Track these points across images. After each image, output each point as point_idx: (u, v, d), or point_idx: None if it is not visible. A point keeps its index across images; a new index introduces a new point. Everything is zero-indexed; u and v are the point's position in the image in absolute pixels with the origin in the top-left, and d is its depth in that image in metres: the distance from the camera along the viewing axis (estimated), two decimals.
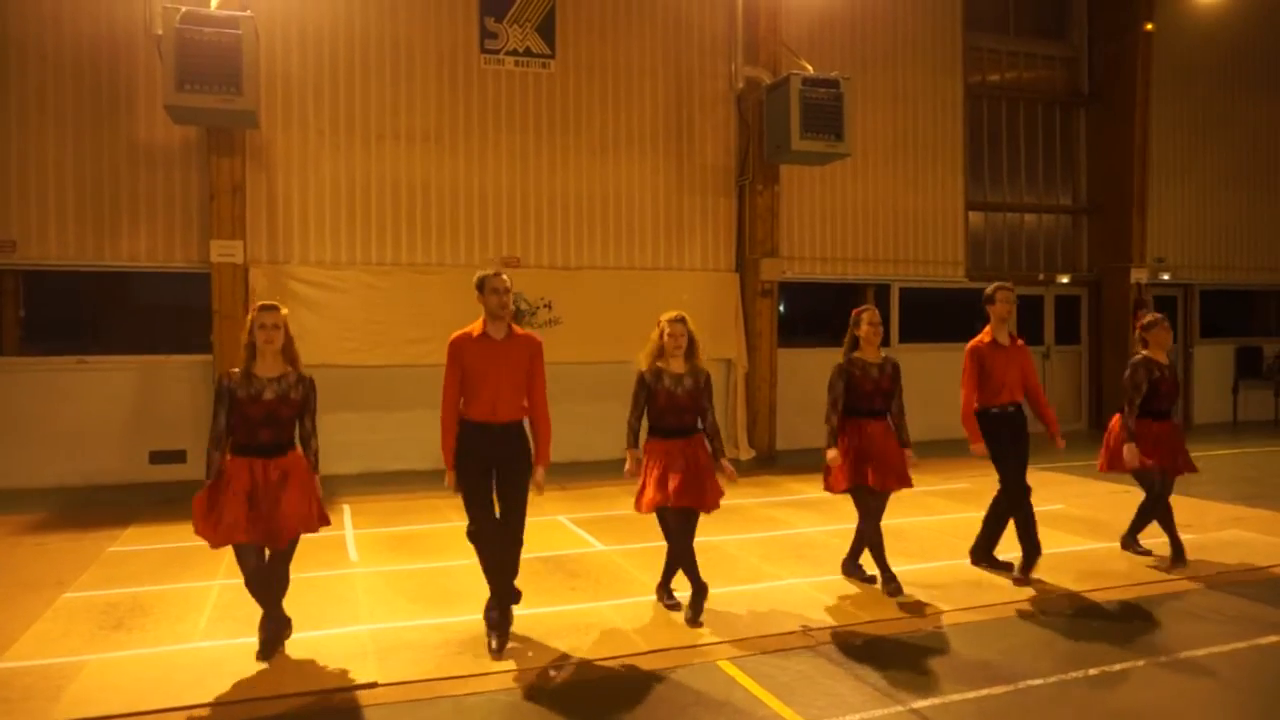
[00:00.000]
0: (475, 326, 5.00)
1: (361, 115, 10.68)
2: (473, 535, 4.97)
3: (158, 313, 10.81)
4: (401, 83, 10.83)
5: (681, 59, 11.95)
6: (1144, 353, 6.46)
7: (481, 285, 4.95)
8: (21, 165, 9.67)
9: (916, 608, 5.51)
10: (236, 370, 4.56)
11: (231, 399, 4.49)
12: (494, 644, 4.79)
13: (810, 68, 11.18)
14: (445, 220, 10.99)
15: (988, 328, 6.26)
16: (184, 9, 8.45)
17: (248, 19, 8.65)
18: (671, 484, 5.15)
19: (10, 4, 9.60)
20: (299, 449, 4.69)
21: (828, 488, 5.89)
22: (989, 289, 6.27)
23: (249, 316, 4.58)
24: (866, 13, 12.93)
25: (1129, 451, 6.31)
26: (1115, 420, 6.53)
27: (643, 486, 5.30)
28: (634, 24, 11.76)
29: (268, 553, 4.64)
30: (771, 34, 11.84)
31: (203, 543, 7.04)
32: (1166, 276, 14.73)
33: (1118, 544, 6.86)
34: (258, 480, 4.47)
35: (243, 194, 10.03)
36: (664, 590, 5.61)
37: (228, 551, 6.79)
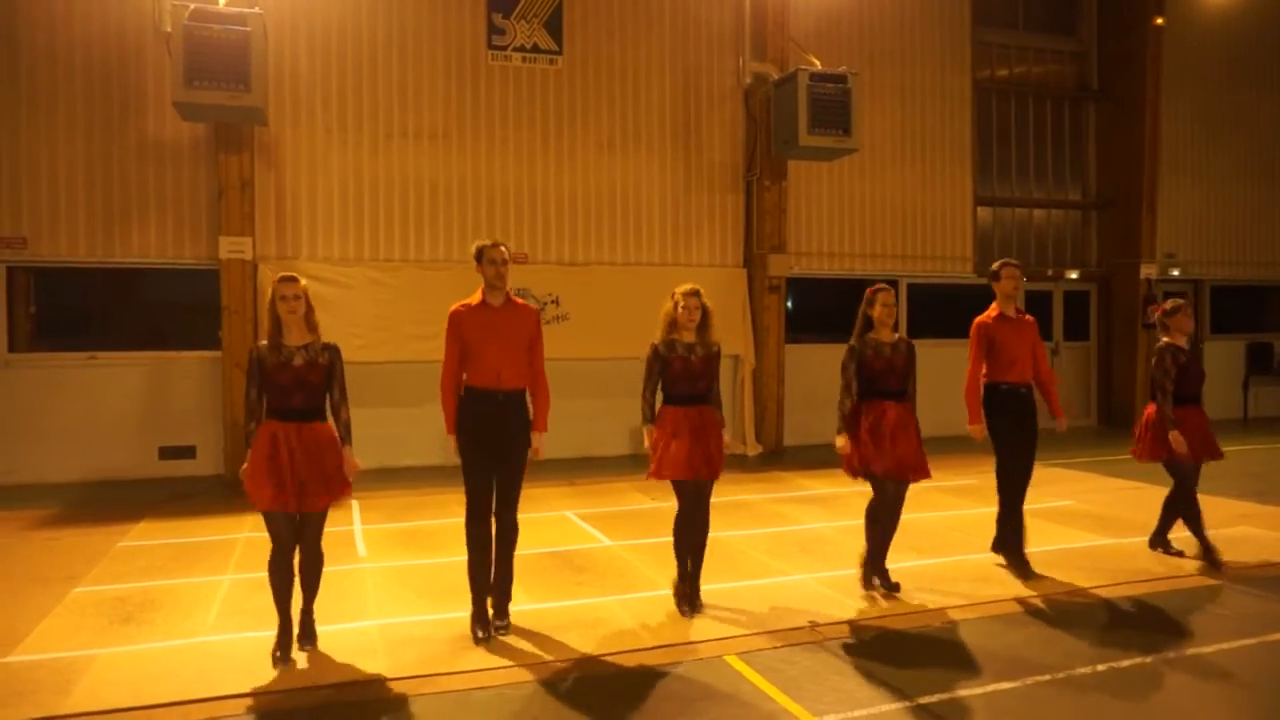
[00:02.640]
0: (474, 297, 5.08)
1: (369, 111, 10.70)
2: (470, 524, 5.01)
3: (167, 309, 10.85)
4: (409, 79, 10.84)
5: (689, 55, 11.93)
6: (1165, 339, 6.42)
7: (480, 255, 5.04)
8: (31, 162, 9.71)
9: (924, 603, 5.50)
10: (264, 343, 4.61)
11: (261, 368, 4.55)
12: (480, 634, 4.91)
13: (818, 63, 11.14)
14: (453, 216, 11.00)
15: (994, 305, 6.25)
16: (193, 6, 8.46)
17: (256, 16, 8.67)
18: (693, 456, 5.21)
19: (20, 2, 9.63)
20: (330, 419, 4.73)
21: (851, 471, 5.71)
22: (995, 265, 6.26)
23: (271, 290, 4.61)
24: (874, 8, 12.89)
25: (1176, 439, 6.17)
26: (1151, 409, 6.44)
27: (659, 452, 5.27)
28: (641, 20, 11.74)
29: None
30: (779, 29, 11.81)
31: (212, 538, 7.19)
32: (1176, 272, 14.65)
33: (1127, 540, 6.82)
34: (291, 444, 4.49)
35: (251, 190, 10.06)
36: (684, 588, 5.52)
37: (237, 545, 6.93)
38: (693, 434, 5.24)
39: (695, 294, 5.30)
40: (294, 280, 4.63)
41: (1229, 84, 15.04)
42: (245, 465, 4.56)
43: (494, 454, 4.98)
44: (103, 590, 5.87)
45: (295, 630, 4.70)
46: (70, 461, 9.78)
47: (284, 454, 4.47)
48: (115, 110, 9.92)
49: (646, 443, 5.37)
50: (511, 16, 11.17)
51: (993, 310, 6.22)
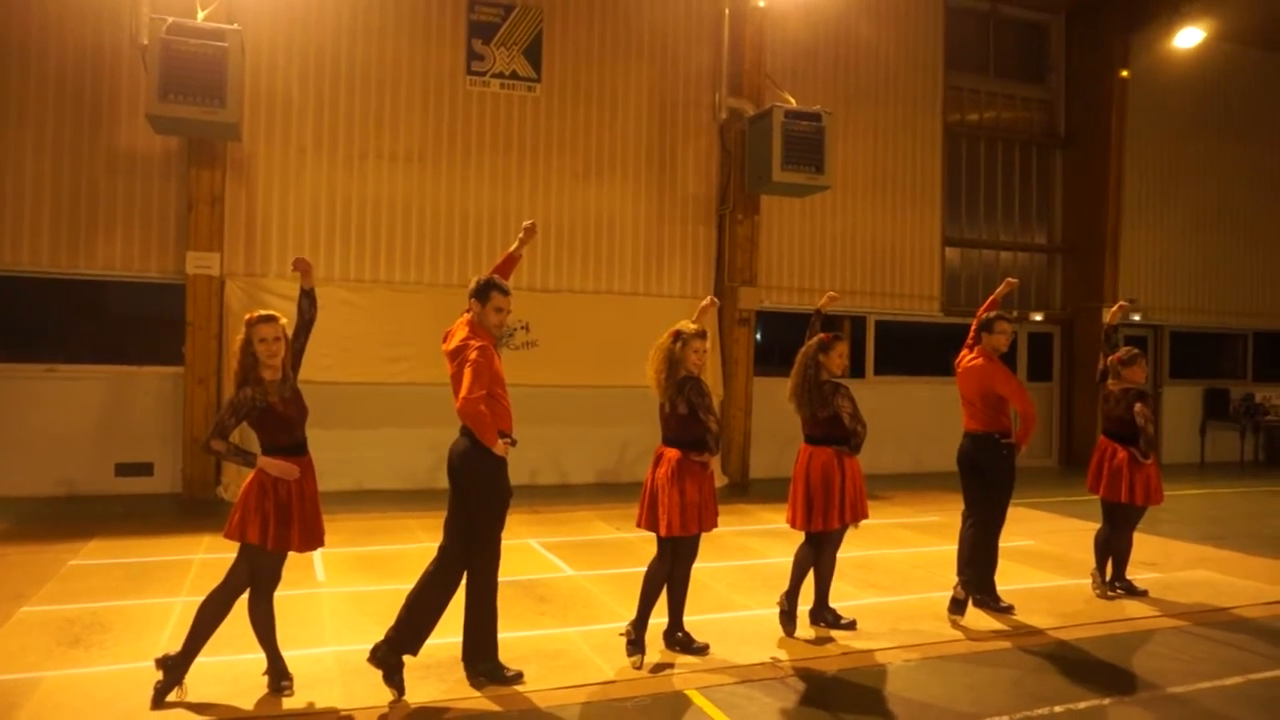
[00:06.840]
0: (484, 335, 4.71)
1: (345, 131, 10.67)
2: (491, 569, 4.82)
3: (130, 323, 10.68)
4: (386, 101, 10.84)
5: (666, 87, 12.05)
6: (1117, 386, 6.52)
7: (487, 296, 4.75)
8: None
9: (886, 642, 5.51)
10: (248, 389, 4.32)
11: (250, 408, 4.32)
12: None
13: (793, 101, 11.31)
14: (425, 239, 10.97)
15: (979, 349, 6.27)
16: (171, 20, 8.44)
17: (234, 32, 8.65)
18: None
19: None
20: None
21: (853, 520, 5.59)
22: (990, 316, 6.29)
23: (245, 329, 4.36)
24: (850, 49, 13.13)
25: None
26: (1109, 446, 6.58)
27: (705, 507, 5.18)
28: (620, 51, 11.85)
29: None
30: (755, 66, 11.97)
31: (167, 557, 7.05)
32: (1137, 317, 14.94)
33: (1086, 581, 6.86)
34: (301, 481, 4.39)
35: (221, 206, 9.97)
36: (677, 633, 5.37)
37: (192, 566, 6.79)
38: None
39: (703, 335, 5.21)
40: (273, 320, 4.39)
41: (1190, 134, 15.46)
42: (253, 500, 4.27)
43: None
44: (50, 610, 5.71)
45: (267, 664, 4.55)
46: (23, 475, 9.55)
47: (290, 490, 4.33)
48: (86, 121, 9.82)
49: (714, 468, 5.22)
50: (491, 43, 11.23)
51: (989, 353, 6.23)
